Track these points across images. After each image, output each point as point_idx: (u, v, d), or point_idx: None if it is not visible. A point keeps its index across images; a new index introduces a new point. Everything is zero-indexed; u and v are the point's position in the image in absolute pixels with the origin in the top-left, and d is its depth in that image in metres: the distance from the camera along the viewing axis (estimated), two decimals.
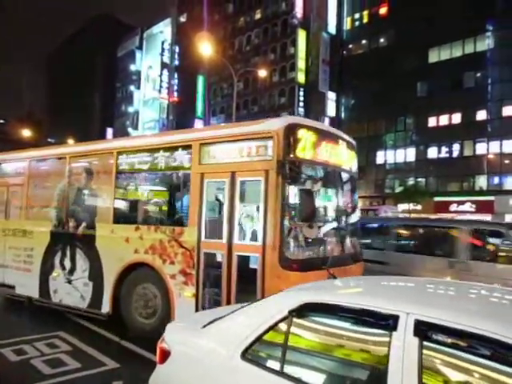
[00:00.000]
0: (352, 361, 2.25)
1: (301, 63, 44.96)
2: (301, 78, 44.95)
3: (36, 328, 6.68)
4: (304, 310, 2.46)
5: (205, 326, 3.00)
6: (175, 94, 58.25)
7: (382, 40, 41.98)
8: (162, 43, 60.72)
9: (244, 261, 5.20)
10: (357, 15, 44.40)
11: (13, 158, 8.88)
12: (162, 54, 59.76)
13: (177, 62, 58.39)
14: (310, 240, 5.28)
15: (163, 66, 59.24)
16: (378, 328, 2.18)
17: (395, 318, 2.10)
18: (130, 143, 7.14)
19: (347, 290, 2.85)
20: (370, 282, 3.11)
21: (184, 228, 5.80)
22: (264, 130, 5.20)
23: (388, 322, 2.10)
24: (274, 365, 2.41)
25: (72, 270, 7.09)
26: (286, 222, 4.99)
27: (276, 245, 4.89)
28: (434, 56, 37.88)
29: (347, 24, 45.12)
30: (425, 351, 1.97)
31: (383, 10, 41.42)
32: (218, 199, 5.84)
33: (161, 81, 59.31)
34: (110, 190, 6.75)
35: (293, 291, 2.80)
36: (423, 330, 2.00)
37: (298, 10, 45.31)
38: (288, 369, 2.35)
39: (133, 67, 68.71)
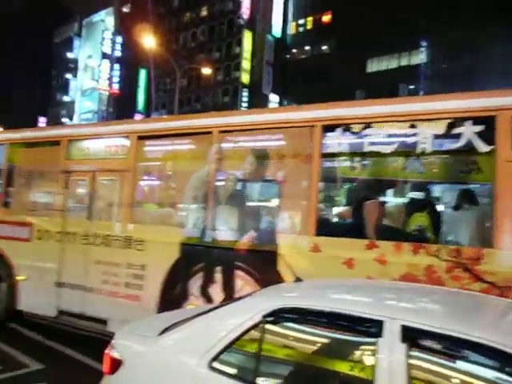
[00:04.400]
0: (332, 370, 2.12)
1: (245, 63, 45.00)
2: (245, 78, 44.98)
3: None
4: (279, 316, 2.29)
5: (161, 333, 2.74)
6: (116, 85, 56.08)
7: (324, 47, 43.05)
8: (103, 32, 58.16)
9: None
10: (301, 21, 45.17)
11: (100, 132, 6.27)
12: (102, 44, 57.21)
13: (119, 53, 56.26)
14: None
15: (104, 56, 56.77)
16: (362, 335, 2.07)
17: (380, 324, 2.00)
18: (352, 112, 4.46)
19: (324, 293, 2.70)
20: (347, 285, 2.99)
21: (483, 250, 3.69)
22: None
23: (372, 328, 2.00)
24: (246, 375, 2.22)
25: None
26: None
27: None
28: (371, 66, 39.49)
29: (292, 28, 45.81)
30: (411, 359, 1.88)
31: (326, 18, 42.43)
32: None
33: (100, 71, 56.82)
34: (305, 183, 4.53)
35: (264, 295, 2.63)
36: (410, 336, 1.91)
37: (245, 11, 45.27)
38: (261, 380, 2.17)
39: (70, 55, 65.25)
